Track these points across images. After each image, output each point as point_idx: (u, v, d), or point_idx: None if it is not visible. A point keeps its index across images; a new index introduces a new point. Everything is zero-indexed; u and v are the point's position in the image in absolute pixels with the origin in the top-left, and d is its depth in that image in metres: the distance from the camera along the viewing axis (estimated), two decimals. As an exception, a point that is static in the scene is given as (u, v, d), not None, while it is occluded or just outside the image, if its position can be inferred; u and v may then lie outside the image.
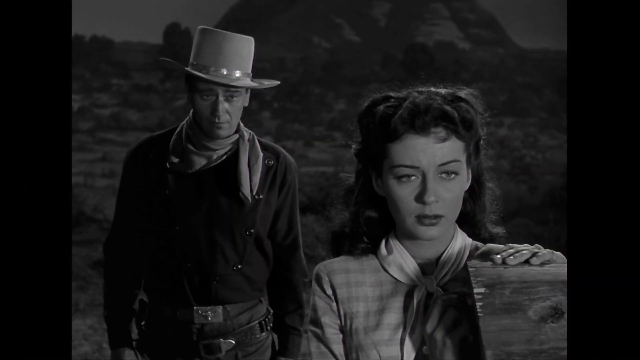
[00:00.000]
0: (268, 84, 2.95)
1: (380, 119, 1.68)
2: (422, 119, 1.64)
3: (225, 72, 2.81)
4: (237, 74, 2.83)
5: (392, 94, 1.72)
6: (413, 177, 1.66)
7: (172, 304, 2.94)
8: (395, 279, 1.75)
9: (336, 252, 1.81)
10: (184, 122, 2.98)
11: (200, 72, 2.80)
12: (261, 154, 2.94)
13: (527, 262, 1.58)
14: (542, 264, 1.58)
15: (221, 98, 2.82)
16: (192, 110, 2.93)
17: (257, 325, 3.00)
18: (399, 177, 1.66)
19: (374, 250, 1.78)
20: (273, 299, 3.08)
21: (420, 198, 1.65)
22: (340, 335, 1.76)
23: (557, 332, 1.50)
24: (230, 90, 2.82)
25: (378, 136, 1.68)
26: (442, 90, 1.71)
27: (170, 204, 2.92)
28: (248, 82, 2.85)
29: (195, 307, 2.92)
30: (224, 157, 2.92)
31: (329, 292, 1.77)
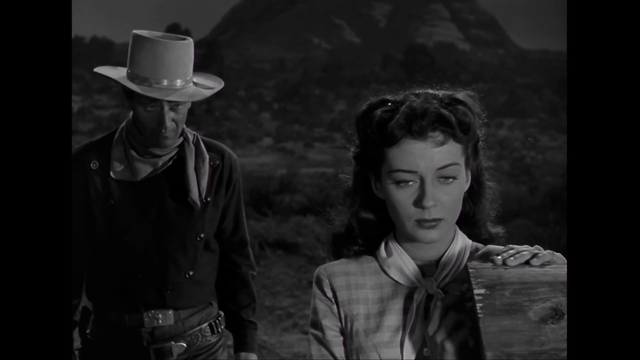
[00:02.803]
0: (211, 88, 2.78)
1: (377, 124, 1.67)
2: (419, 124, 1.64)
3: (165, 83, 2.67)
4: (179, 83, 2.69)
5: (389, 97, 1.72)
6: (411, 182, 1.66)
7: (120, 310, 2.84)
8: (396, 281, 1.75)
9: (336, 255, 1.81)
10: (122, 126, 2.85)
11: (141, 84, 2.67)
12: (207, 156, 2.85)
13: (527, 263, 1.58)
14: (542, 265, 1.58)
15: (166, 109, 2.69)
16: (130, 115, 2.81)
17: (208, 327, 2.92)
18: (398, 182, 1.66)
19: (368, 252, 1.79)
20: (224, 296, 3.02)
21: (419, 202, 1.65)
22: (341, 338, 1.76)
23: (557, 333, 1.50)
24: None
25: (375, 141, 1.68)
26: (440, 93, 1.71)
27: (117, 215, 2.81)
28: (192, 90, 2.71)
29: (144, 312, 2.82)
30: (170, 162, 2.81)
31: (330, 294, 1.77)
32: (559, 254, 1.62)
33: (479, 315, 1.51)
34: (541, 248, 1.62)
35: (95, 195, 2.81)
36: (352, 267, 1.78)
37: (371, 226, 1.77)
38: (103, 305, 2.87)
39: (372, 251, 1.78)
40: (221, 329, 2.98)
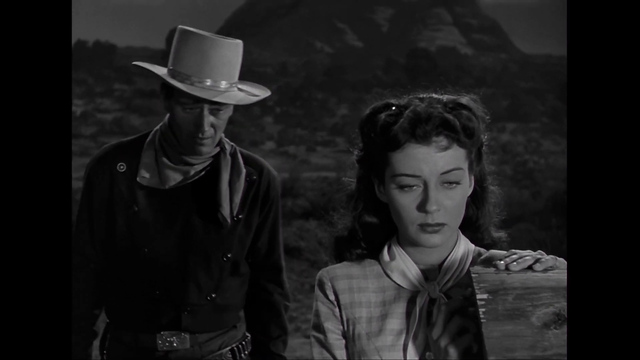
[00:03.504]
0: (258, 96, 2.60)
1: (381, 128, 1.67)
2: (423, 128, 1.64)
3: (209, 83, 2.48)
4: (223, 84, 2.50)
5: (393, 101, 1.71)
6: (415, 186, 1.66)
7: (133, 329, 2.63)
8: (398, 284, 1.74)
9: (339, 258, 1.81)
10: (157, 129, 2.65)
11: (182, 82, 2.48)
12: (244, 170, 2.63)
13: (530, 268, 1.58)
14: (545, 270, 1.58)
15: (206, 112, 2.50)
16: (166, 118, 2.63)
17: (229, 352, 2.69)
18: (401, 186, 1.66)
19: (370, 255, 1.78)
20: (254, 324, 2.76)
21: (422, 207, 1.65)
22: (343, 341, 1.76)
23: (560, 339, 1.50)
24: (217, 103, 2.51)
25: (379, 145, 1.68)
26: (444, 97, 1.71)
27: (139, 223, 2.59)
28: (237, 95, 2.53)
29: (158, 333, 2.60)
30: (203, 172, 2.60)
31: (332, 297, 1.76)
32: (561, 259, 1.62)
33: (482, 320, 1.51)
34: (544, 253, 1.62)
35: (119, 200, 2.61)
36: (355, 271, 1.78)
37: (374, 230, 1.77)
38: (118, 322, 2.68)
39: (375, 255, 1.78)
40: (245, 354, 2.75)
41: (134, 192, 2.60)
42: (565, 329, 1.50)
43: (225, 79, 2.51)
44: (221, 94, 2.49)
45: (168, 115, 2.60)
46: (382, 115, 1.69)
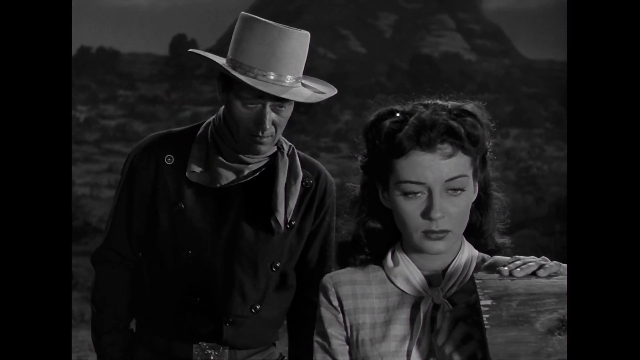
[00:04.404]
0: (324, 93, 2.38)
1: (386, 135, 1.67)
2: (427, 135, 1.64)
3: (273, 77, 2.26)
4: (289, 79, 2.28)
5: (397, 107, 1.71)
6: (419, 193, 1.66)
7: (168, 336, 2.42)
8: (402, 290, 1.74)
9: (342, 263, 1.81)
10: (209, 121, 2.43)
11: (245, 74, 2.25)
12: (301, 174, 2.40)
13: (534, 274, 1.58)
14: (549, 276, 1.58)
15: (268, 108, 2.28)
16: (221, 111, 2.40)
17: None
18: (406, 193, 1.66)
19: (375, 261, 1.78)
20: (294, 340, 2.53)
21: (426, 214, 1.65)
22: (347, 347, 1.76)
23: (564, 345, 1.50)
24: (281, 99, 2.28)
25: (384, 152, 1.68)
26: (448, 104, 1.71)
27: (184, 222, 2.38)
28: (304, 92, 2.31)
29: (195, 344, 2.40)
30: (257, 173, 2.38)
31: (335, 303, 1.76)
32: (565, 265, 1.62)
33: (486, 327, 1.50)
34: (548, 259, 1.62)
35: (164, 195, 2.39)
36: (358, 276, 1.78)
37: (378, 235, 1.77)
38: (151, 328, 2.46)
39: (379, 260, 1.78)
40: None
41: (181, 188, 2.39)
42: (569, 335, 1.50)
43: (291, 73, 2.28)
44: (287, 90, 2.27)
45: (222, 108, 2.39)
46: (387, 122, 1.68)
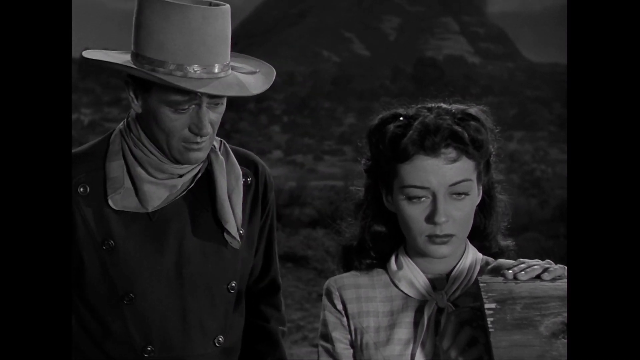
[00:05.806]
0: (256, 71, 1.99)
1: (390, 139, 1.67)
2: (431, 140, 1.64)
3: (202, 70, 1.86)
4: (217, 68, 1.88)
5: (401, 111, 1.71)
6: (423, 198, 1.66)
7: None
8: (406, 294, 1.74)
9: (346, 267, 1.81)
10: (118, 130, 2.02)
11: (171, 74, 1.85)
12: (240, 171, 2.04)
13: (538, 277, 1.58)
14: (553, 280, 1.58)
15: (205, 108, 1.90)
16: (131, 116, 2.00)
17: None
18: (410, 198, 1.66)
19: (380, 265, 1.78)
20: (249, 355, 2.14)
21: (431, 218, 1.65)
22: (351, 351, 1.76)
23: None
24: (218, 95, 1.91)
25: (388, 156, 1.68)
26: (452, 107, 1.71)
27: (118, 262, 1.95)
28: (247, 79, 1.94)
29: None
30: (192, 184, 1.99)
31: (340, 307, 1.76)
32: (569, 268, 1.61)
33: (490, 330, 1.50)
34: (552, 262, 1.62)
35: (86, 234, 1.95)
36: (362, 280, 1.77)
37: (382, 239, 1.77)
38: None
39: (383, 264, 1.78)
40: None
41: (106, 222, 1.96)
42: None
43: (219, 60, 1.88)
44: (226, 83, 1.89)
45: (134, 114, 1.98)
46: (391, 127, 1.68)
